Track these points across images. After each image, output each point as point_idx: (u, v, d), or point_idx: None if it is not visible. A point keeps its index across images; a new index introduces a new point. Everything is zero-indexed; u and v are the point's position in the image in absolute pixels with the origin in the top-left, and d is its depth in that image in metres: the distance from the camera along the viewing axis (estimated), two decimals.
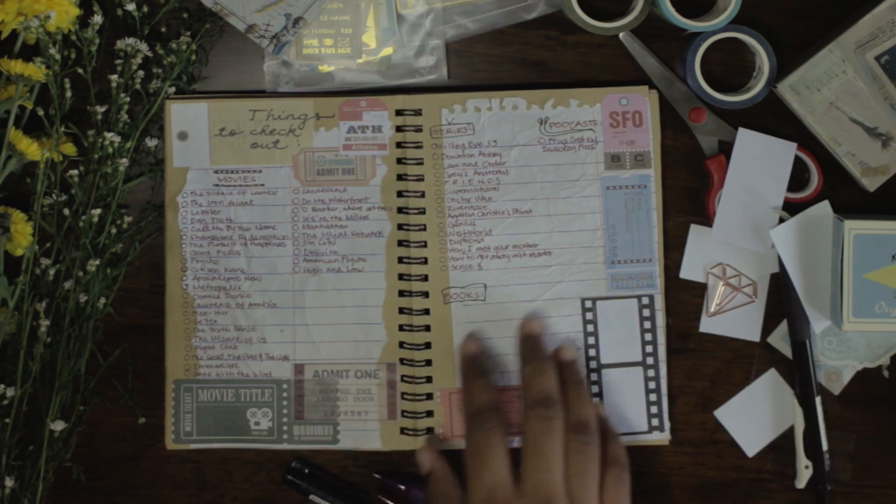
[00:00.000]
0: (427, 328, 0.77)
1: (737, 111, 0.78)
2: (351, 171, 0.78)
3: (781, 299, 0.78)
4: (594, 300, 0.77)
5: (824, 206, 0.77)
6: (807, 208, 0.77)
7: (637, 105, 0.78)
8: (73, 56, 0.74)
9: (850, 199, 0.78)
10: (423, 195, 0.78)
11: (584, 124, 0.78)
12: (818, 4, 0.78)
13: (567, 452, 0.70)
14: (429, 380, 0.77)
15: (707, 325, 0.78)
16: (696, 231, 0.78)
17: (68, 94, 0.74)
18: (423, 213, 0.77)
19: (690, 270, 0.78)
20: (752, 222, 0.77)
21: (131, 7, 0.75)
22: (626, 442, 0.77)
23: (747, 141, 0.77)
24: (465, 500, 0.71)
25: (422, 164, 0.77)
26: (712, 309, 0.78)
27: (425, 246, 0.77)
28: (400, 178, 0.78)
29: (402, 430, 0.77)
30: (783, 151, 0.77)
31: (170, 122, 0.78)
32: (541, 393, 0.72)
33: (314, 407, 0.78)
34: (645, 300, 0.77)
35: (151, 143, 0.77)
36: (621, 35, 0.78)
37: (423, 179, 0.77)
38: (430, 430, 0.77)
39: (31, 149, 0.72)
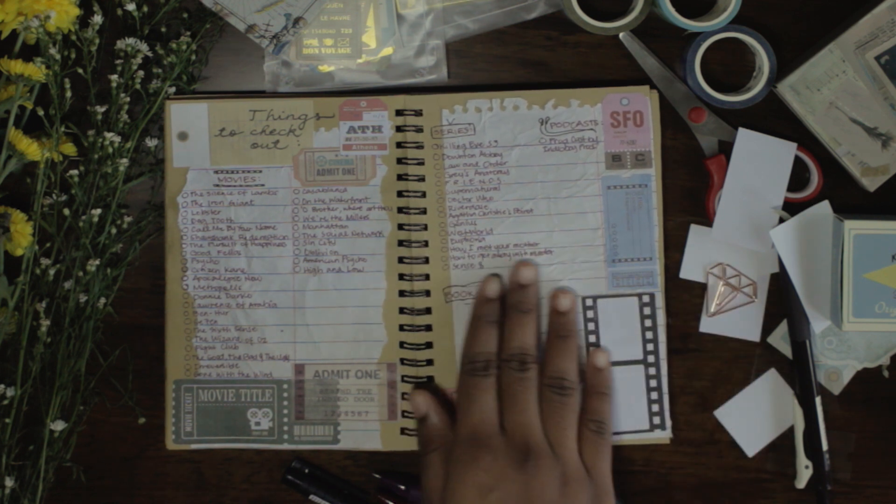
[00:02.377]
0: (428, 328, 0.77)
1: (737, 111, 0.78)
2: (351, 171, 0.78)
3: (781, 299, 0.78)
4: (595, 298, 0.77)
5: (824, 206, 0.77)
6: (807, 208, 0.77)
7: (638, 105, 0.78)
8: (73, 56, 0.74)
9: (850, 199, 0.78)
10: (423, 195, 0.77)
11: (585, 124, 0.78)
12: (818, 4, 0.78)
13: (544, 405, 0.73)
14: (430, 380, 0.77)
15: (707, 325, 0.78)
16: (696, 231, 0.78)
17: (68, 94, 0.74)
18: (424, 212, 0.77)
19: (690, 270, 0.78)
20: (752, 222, 0.77)
21: (131, 7, 0.75)
22: (627, 440, 0.77)
23: (747, 141, 0.77)
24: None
25: (423, 164, 0.77)
26: (712, 309, 0.78)
27: (426, 245, 0.77)
28: (400, 178, 0.78)
29: (403, 431, 0.77)
30: (783, 151, 0.77)
31: (170, 122, 0.78)
32: (515, 349, 0.74)
33: (314, 407, 0.78)
34: (646, 298, 0.77)
35: (151, 143, 0.77)
36: (621, 35, 0.78)
37: (423, 179, 0.77)
38: None
39: (31, 149, 0.72)
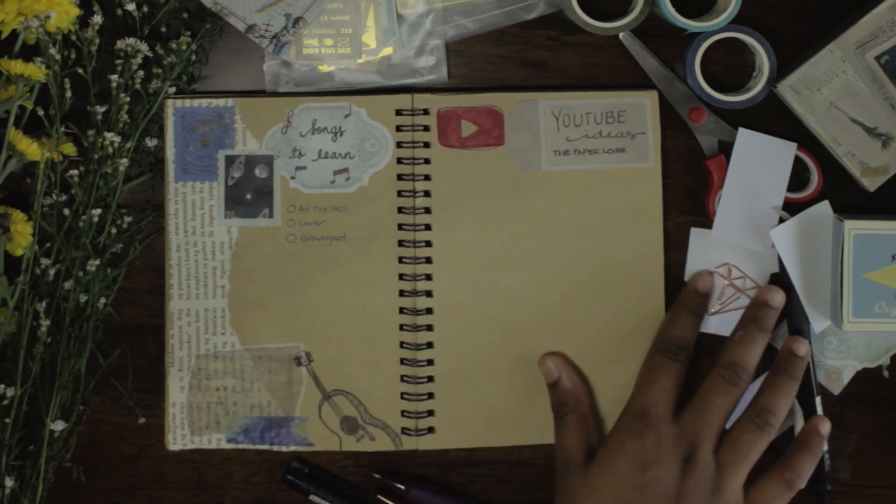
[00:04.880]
0: (429, 328, 0.77)
1: (737, 111, 0.78)
2: None
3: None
4: None
5: (824, 206, 0.77)
6: (807, 208, 0.77)
7: (637, 105, 0.78)
8: (73, 56, 0.74)
9: (850, 199, 0.78)
10: (427, 194, 0.77)
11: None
12: (818, 4, 0.78)
13: (738, 425, 0.73)
14: (430, 379, 0.77)
15: (708, 325, 0.78)
16: (696, 234, 0.78)
17: (68, 94, 0.74)
18: (429, 212, 0.77)
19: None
20: (752, 222, 0.77)
21: (131, 7, 0.75)
22: None
23: (747, 141, 0.77)
24: (594, 408, 0.76)
25: (429, 163, 0.77)
26: (714, 308, 0.78)
27: (430, 245, 0.77)
28: (400, 177, 0.77)
29: (403, 430, 0.77)
30: (783, 151, 0.77)
31: (170, 122, 0.78)
32: (736, 359, 0.73)
33: None
34: None
35: (151, 143, 0.77)
36: (621, 35, 0.78)
37: (430, 178, 0.77)
38: (431, 430, 0.77)
39: (31, 149, 0.72)
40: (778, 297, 0.76)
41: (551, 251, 0.77)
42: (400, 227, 0.77)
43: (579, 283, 0.77)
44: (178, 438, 0.77)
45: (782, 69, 0.77)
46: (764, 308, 0.76)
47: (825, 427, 0.75)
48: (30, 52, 0.73)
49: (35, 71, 0.71)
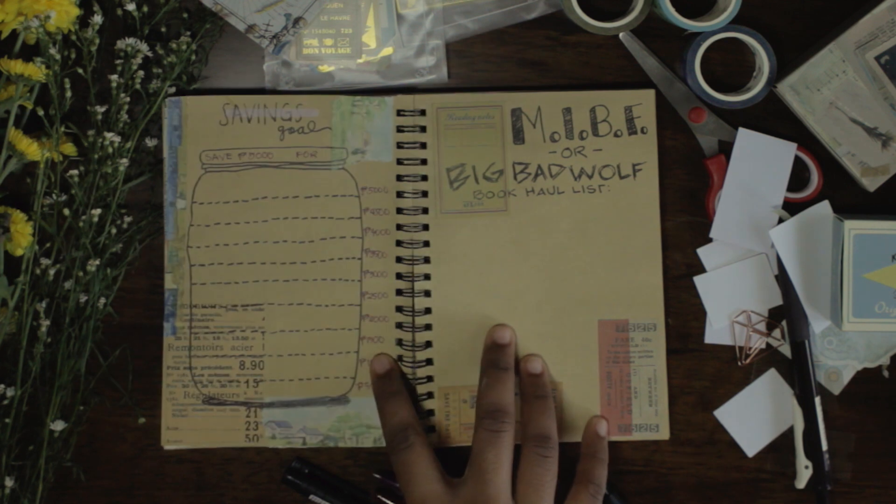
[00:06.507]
0: (428, 327, 0.77)
1: (737, 111, 0.78)
2: None
3: (781, 299, 0.78)
4: None
5: (824, 206, 0.77)
6: (807, 208, 0.77)
7: (637, 105, 0.77)
8: (73, 56, 0.74)
9: (850, 199, 0.78)
10: (425, 195, 0.77)
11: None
12: (818, 4, 0.78)
13: (524, 463, 0.72)
14: (430, 379, 0.77)
15: (711, 337, 0.78)
16: (700, 282, 0.78)
17: (68, 94, 0.74)
18: (426, 212, 0.77)
19: (717, 329, 0.78)
20: (752, 222, 0.77)
21: (131, 7, 0.75)
22: (623, 438, 0.77)
23: (747, 141, 0.77)
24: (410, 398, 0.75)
25: (426, 164, 0.77)
26: (747, 361, 0.77)
27: (428, 245, 0.77)
28: (399, 178, 0.77)
29: None
30: (783, 151, 0.77)
31: (166, 121, 0.78)
32: (491, 405, 0.73)
33: None
34: None
35: (151, 143, 0.77)
36: (621, 35, 0.78)
37: (426, 179, 0.77)
38: (431, 429, 0.77)
39: (31, 149, 0.72)
40: (505, 334, 0.76)
41: (545, 258, 0.77)
42: (398, 227, 0.77)
43: (575, 285, 0.77)
44: (173, 437, 0.77)
45: (782, 69, 0.77)
46: (496, 349, 0.75)
47: (602, 427, 0.76)
48: (30, 52, 0.73)
49: (35, 71, 0.71)
